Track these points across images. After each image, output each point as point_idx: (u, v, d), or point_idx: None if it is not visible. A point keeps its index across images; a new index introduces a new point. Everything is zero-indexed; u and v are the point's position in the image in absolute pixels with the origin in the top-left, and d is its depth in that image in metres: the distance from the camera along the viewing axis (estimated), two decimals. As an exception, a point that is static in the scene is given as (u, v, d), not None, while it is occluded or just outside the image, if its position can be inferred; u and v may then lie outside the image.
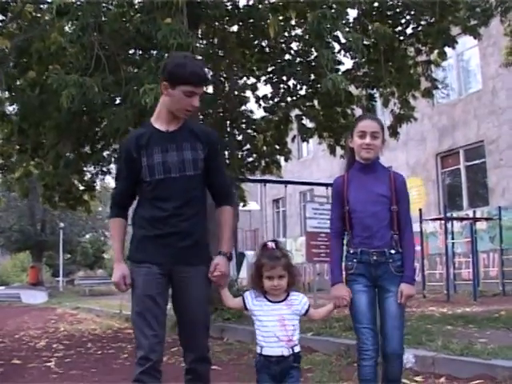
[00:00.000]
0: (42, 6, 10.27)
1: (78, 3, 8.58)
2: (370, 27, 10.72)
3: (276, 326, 4.04)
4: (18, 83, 11.27)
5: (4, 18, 10.28)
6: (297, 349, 4.06)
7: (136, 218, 4.27)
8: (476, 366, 5.91)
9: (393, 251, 4.33)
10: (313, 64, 13.32)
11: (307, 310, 4.15)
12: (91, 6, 8.43)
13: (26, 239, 47.82)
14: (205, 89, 13.31)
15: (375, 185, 4.45)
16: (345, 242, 4.57)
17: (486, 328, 8.89)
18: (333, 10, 8.67)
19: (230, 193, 4.52)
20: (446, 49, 13.30)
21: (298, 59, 13.90)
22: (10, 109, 12.61)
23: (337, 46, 11.47)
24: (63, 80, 8.20)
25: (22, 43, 9.75)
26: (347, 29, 10.34)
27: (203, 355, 4.26)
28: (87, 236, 57.84)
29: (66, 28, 9.51)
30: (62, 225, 45.53)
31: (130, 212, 4.38)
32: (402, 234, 4.39)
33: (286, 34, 13.30)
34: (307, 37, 11.55)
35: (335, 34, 9.97)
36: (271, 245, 4.17)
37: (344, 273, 4.49)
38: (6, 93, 11.67)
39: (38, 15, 10.43)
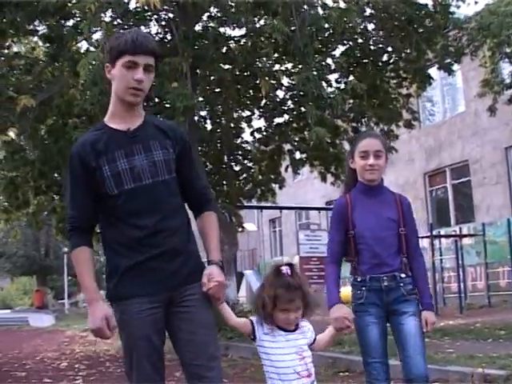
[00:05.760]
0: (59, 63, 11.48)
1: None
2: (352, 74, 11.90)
3: (295, 359, 3.48)
4: (37, 131, 12.48)
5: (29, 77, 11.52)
6: None
7: (109, 245, 3.51)
8: (434, 372, 6.83)
9: (403, 275, 4.09)
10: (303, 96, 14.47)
11: (315, 339, 3.66)
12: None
13: (31, 264, 48.87)
14: (200, 124, 14.79)
15: (383, 209, 4.16)
16: (343, 268, 4.23)
17: (457, 339, 10.07)
18: (315, 73, 9.97)
19: (210, 196, 3.86)
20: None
21: (289, 93, 15.02)
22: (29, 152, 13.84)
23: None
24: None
25: (44, 99, 10.95)
26: (329, 87, 11.61)
27: None
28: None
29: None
30: (65, 249, 46.34)
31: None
32: (413, 258, 4.17)
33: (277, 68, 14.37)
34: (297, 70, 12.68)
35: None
36: (286, 270, 3.52)
37: (352, 303, 4.19)
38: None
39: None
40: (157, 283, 3.38)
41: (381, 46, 14.23)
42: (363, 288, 4.10)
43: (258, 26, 12.50)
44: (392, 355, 4.15)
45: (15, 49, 12.77)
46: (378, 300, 4.08)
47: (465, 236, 20.56)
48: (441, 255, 20.18)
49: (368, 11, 13.34)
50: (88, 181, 3.44)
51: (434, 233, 19.39)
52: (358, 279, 4.13)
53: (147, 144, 3.47)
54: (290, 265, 3.58)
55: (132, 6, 11.29)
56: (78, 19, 10.34)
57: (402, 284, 4.08)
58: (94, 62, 8.75)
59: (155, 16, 12.39)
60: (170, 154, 3.50)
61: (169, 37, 12.61)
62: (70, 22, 11.45)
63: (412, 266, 4.16)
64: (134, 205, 3.41)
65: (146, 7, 9.69)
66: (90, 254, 3.51)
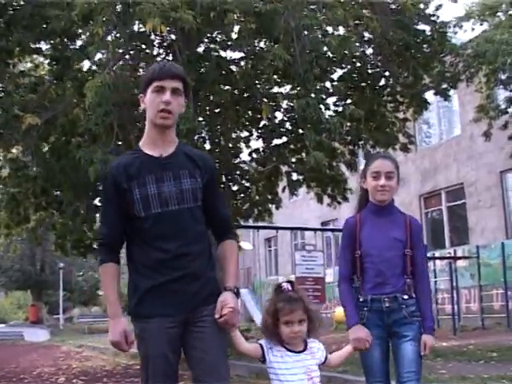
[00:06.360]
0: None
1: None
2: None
3: (303, 380, 3.56)
4: (40, 148, 12.68)
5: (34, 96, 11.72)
6: None
7: (133, 264, 3.67)
8: (426, 392, 7.24)
9: (406, 296, 4.11)
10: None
11: (326, 358, 3.73)
12: (115, 93, 9.77)
13: (26, 279, 48.90)
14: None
15: (391, 229, 4.20)
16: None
17: (450, 361, 10.24)
18: (314, 96, 10.20)
19: (232, 225, 4.03)
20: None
21: (288, 115, 15.18)
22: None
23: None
24: (89, 156, 9.60)
25: (49, 117, 11.16)
26: (327, 111, 11.87)
27: None
28: (81, 273, 58.28)
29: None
30: (61, 265, 46.30)
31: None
32: (418, 281, 4.17)
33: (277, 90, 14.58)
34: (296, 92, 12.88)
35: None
36: (286, 286, 3.68)
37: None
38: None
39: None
40: (178, 305, 3.55)
41: (378, 70, 14.46)
42: (365, 309, 4.14)
43: (258, 48, 12.73)
44: (393, 374, 4.26)
45: (21, 67, 13.03)
46: (379, 321, 4.12)
47: (459, 258, 20.73)
48: (435, 277, 20.38)
49: (366, 36, 13.59)
50: (120, 201, 3.63)
51: (429, 254, 19.45)
52: (361, 299, 4.17)
53: (177, 172, 3.65)
54: (291, 282, 3.74)
55: (136, 28, 11.48)
56: (85, 41, 10.55)
57: (404, 306, 4.10)
58: (99, 83, 8.95)
59: (158, 37, 12.60)
60: (197, 183, 3.68)
61: (170, 58, 12.79)
62: (76, 43, 11.68)
63: (416, 287, 4.18)
64: (161, 229, 3.57)
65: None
66: (116, 270, 3.67)
